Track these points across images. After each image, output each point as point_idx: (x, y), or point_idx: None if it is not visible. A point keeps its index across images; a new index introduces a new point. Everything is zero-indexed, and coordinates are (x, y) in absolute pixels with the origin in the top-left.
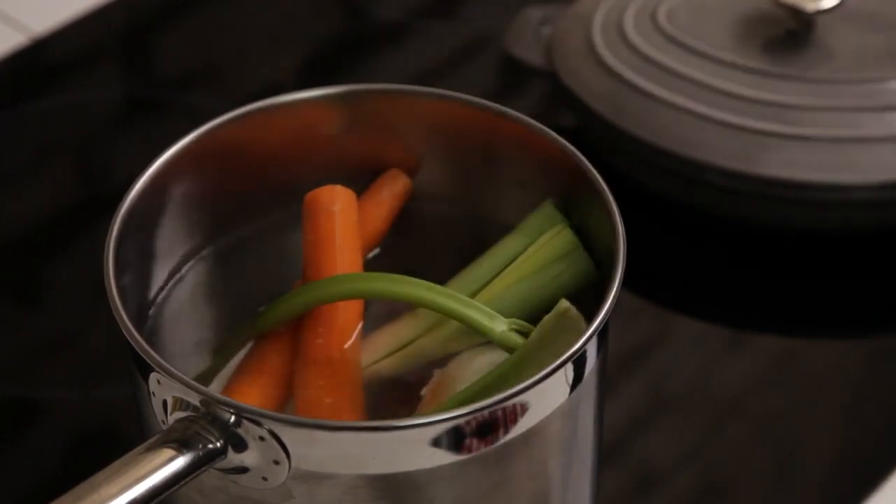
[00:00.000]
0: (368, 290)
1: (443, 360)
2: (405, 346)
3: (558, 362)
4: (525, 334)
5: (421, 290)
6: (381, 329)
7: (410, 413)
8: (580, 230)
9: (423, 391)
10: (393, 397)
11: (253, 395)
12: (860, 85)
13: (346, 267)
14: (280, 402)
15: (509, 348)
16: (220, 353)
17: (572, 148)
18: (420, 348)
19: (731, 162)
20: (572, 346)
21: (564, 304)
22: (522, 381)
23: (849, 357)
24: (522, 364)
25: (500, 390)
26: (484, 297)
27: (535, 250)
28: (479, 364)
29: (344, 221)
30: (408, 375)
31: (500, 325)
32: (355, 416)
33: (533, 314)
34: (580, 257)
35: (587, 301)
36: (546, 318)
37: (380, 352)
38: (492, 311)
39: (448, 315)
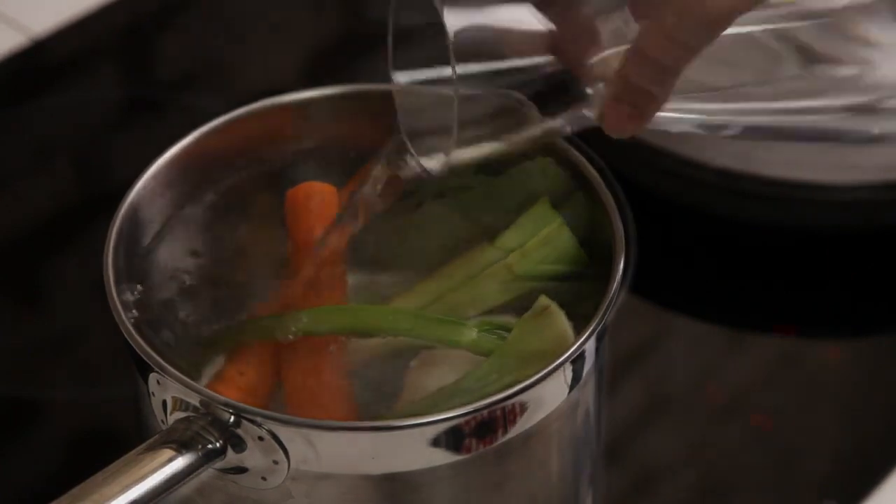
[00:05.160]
0: (323, 326)
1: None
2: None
3: (557, 362)
4: (506, 329)
5: (380, 319)
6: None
7: (400, 387)
8: (580, 230)
9: (412, 363)
10: (382, 371)
11: (241, 386)
12: None
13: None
14: (267, 394)
15: (483, 353)
16: (214, 347)
17: (572, 148)
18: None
19: (731, 162)
20: (554, 342)
21: (544, 300)
22: (505, 380)
23: (849, 357)
24: (505, 360)
25: (484, 388)
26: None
27: (531, 247)
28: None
29: (324, 217)
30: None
31: (469, 334)
32: (344, 405)
33: (521, 303)
34: (565, 237)
35: (587, 301)
36: (525, 315)
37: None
38: (459, 321)
39: (413, 338)
